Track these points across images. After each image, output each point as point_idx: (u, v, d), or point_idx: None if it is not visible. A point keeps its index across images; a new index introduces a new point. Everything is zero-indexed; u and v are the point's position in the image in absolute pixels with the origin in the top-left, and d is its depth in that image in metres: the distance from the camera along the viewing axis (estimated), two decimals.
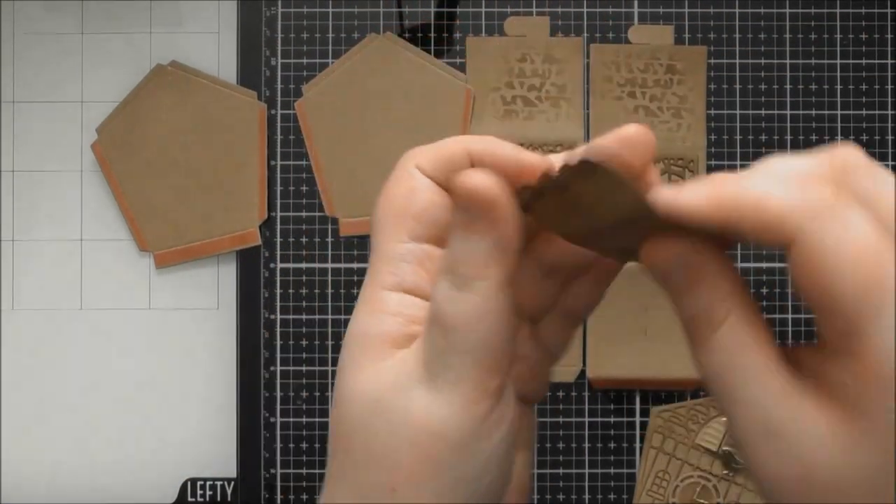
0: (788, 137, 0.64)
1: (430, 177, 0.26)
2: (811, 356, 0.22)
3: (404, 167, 0.26)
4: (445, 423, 0.23)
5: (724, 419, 0.62)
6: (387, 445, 0.24)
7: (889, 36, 0.64)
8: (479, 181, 0.23)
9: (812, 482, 0.21)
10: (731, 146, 0.64)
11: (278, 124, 0.65)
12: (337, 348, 0.64)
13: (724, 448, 0.62)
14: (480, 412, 0.24)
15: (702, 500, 0.63)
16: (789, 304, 0.64)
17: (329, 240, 0.64)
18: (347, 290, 0.64)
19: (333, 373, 0.64)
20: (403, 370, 0.24)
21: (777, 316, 0.64)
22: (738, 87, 0.64)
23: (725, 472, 0.63)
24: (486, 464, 0.24)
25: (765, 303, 0.64)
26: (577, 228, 0.24)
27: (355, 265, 0.64)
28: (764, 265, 0.64)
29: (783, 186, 0.21)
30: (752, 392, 0.22)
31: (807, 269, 0.20)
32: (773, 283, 0.64)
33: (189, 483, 0.64)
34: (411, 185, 0.26)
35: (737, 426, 0.22)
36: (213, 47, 0.66)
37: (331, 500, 0.25)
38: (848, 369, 0.21)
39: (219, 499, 0.64)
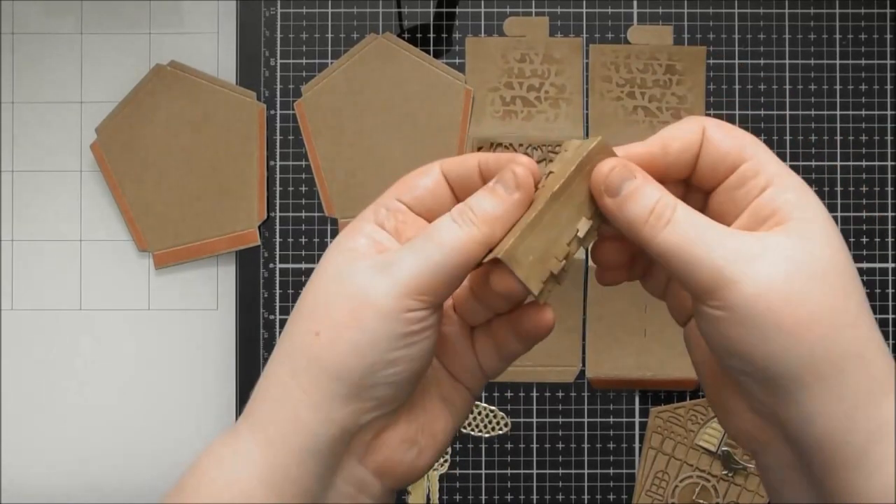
0: (788, 138, 0.64)
1: (444, 173, 0.34)
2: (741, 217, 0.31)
3: (433, 164, 0.34)
4: (380, 295, 0.30)
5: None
6: (325, 300, 0.31)
7: (889, 36, 0.64)
8: (524, 170, 0.31)
9: (805, 270, 0.28)
10: None
11: (278, 124, 0.65)
12: None
13: (724, 448, 0.62)
14: (409, 306, 0.30)
15: (701, 501, 0.63)
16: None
17: (328, 240, 0.64)
18: None
19: None
20: (367, 259, 0.31)
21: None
22: (737, 87, 0.64)
23: (724, 472, 0.63)
24: (398, 347, 0.30)
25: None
26: None
27: None
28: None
29: (676, 127, 0.32)
30: (726, 233, 0.29)
31: (725, 134, 0.31)
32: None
33: None
34: (426, 171, 0.34)
35: (723, 263, 0.28)
36: (212, 47, 0.66)
37: (277, 348, 0.32)
38: (770, 192, 0.30)
39: None
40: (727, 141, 0.31)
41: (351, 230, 0.33)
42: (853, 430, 0.27)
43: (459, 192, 0.34)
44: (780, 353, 0.28)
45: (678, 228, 0.29)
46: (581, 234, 0.31)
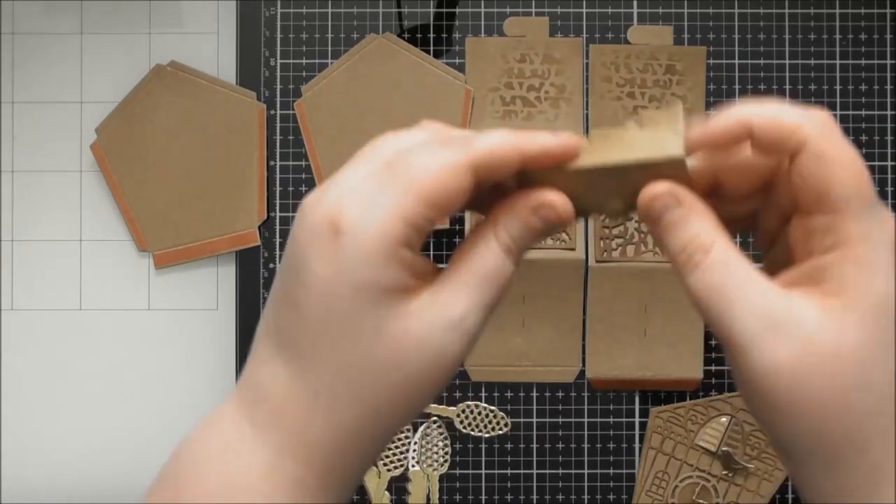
0: None
1: (477, 177, 0.28)
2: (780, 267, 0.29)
3: (461, 161, 0.28)
4: (464, 356, 0.29)
5: (723, 419, 0.63)
6: (423, 371, 0.29)
7: (889, 36, 0.64)
8: (567, 212, 0.29)
9: (817, 355, 0.26)
10: None
11: (278, 124, 0.65)
12: None
13: (724, 448, 0.62)
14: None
15: (701, 501, 0.63)
16: None
17: None
18: None
19: None
20: (439, 316, 0.29)
21: None
22: (737, 87, 0.64)
23: (724, 472, 0.63)
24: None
25: None
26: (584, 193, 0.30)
27: None
28: None
29: (788, 109, 0.28)
30: (752, 293, 0.27)
31: (816, 165, 0.27)
32: None
33: None
34: (460, 186, 0.28)
35: (738, 328, 0.27)
36: (212, 47, 0.66)
37: (335, 417, 0.29)
38: (832, 256, 0.27)
39: None
40: (819, 172, 0.27)
41: (388, 256, 0.28)
42: None
43: (482, 181, 0.29)
44: (777, 426, 0.27)
45: (706, 275, 0.27)
46: (608, 209, 0.31)
